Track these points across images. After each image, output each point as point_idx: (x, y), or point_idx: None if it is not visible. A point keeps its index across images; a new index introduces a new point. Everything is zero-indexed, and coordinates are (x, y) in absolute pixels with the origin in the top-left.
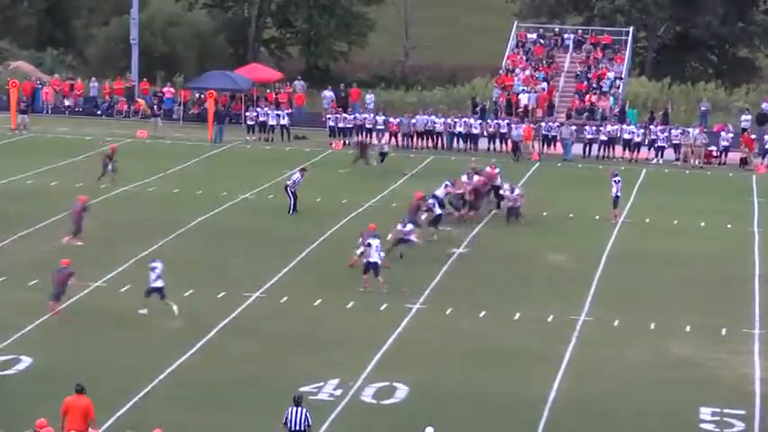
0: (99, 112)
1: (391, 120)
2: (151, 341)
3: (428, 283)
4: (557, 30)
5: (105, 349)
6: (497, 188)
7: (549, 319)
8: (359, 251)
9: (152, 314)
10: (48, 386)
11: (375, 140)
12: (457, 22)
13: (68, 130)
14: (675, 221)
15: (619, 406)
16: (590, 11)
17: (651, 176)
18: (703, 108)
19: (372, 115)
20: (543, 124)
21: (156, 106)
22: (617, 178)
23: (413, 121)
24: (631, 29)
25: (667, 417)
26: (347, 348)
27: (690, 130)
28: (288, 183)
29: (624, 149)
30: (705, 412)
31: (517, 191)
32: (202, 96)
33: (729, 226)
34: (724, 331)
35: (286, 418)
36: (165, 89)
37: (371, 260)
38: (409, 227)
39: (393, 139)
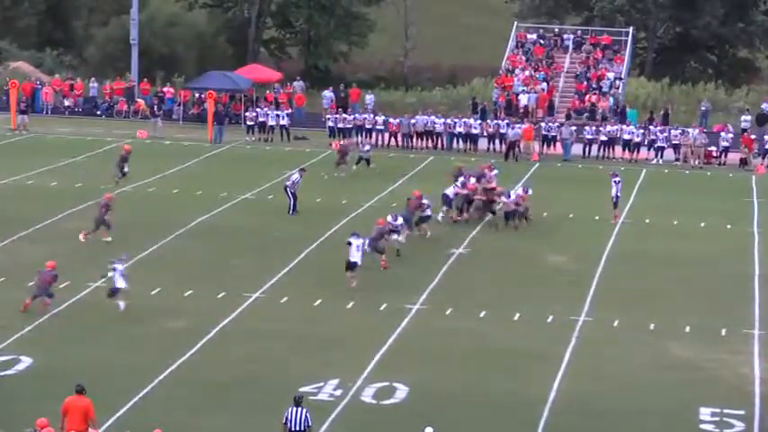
0: (99, 113)
1: (391, 120)
2: (151, 341)
3: (428, 283)
4: (556, 30)
5: (105, 349)
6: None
7: (549, 320)
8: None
9: (152, 314)
10: (48, 386)
11: (361, 142)
12: (457, 22)
13: (69, 130)
14: (675, 222)
15: (619, 406)
16: (590, 11)
17: (651, 177)
18: (703, 108)
19: (372, 115)
20: (543, 124)
21: (155, 107)
22: (617, 178)
23: (412, 121)
24: (631, 29)
25: (667, 417)
26: (347, 348)
27: (690, 130)
28: (287, 183)
29: (624, 150)
30: (705, 412)
31: (517, 192)
32: (202, 97)
33: (729, 226)
34: (724, 332)
35: (286, 419)
36: (164, 89)
37: (352, 260)
38: (400, 220)
39: (393, 139)
